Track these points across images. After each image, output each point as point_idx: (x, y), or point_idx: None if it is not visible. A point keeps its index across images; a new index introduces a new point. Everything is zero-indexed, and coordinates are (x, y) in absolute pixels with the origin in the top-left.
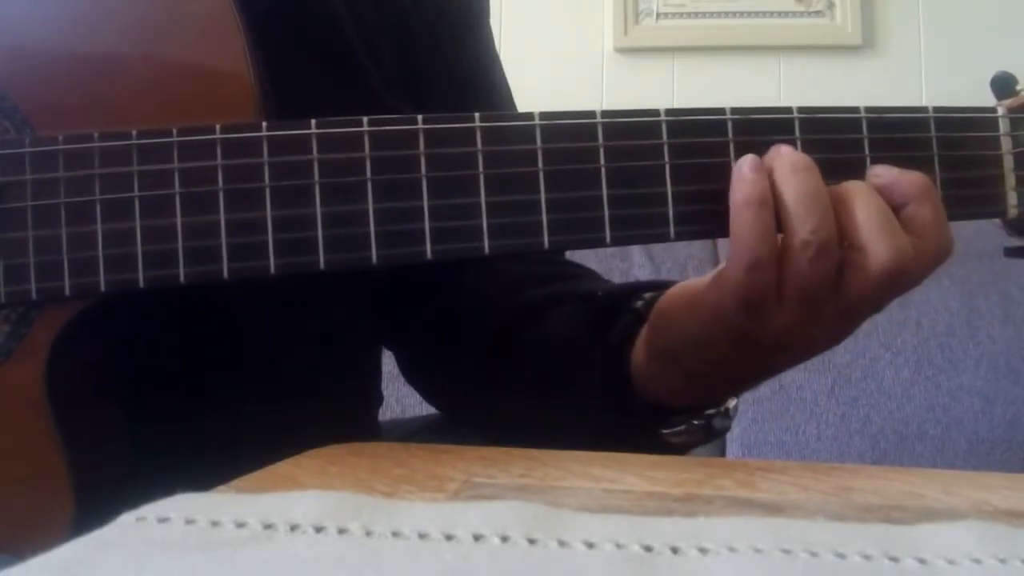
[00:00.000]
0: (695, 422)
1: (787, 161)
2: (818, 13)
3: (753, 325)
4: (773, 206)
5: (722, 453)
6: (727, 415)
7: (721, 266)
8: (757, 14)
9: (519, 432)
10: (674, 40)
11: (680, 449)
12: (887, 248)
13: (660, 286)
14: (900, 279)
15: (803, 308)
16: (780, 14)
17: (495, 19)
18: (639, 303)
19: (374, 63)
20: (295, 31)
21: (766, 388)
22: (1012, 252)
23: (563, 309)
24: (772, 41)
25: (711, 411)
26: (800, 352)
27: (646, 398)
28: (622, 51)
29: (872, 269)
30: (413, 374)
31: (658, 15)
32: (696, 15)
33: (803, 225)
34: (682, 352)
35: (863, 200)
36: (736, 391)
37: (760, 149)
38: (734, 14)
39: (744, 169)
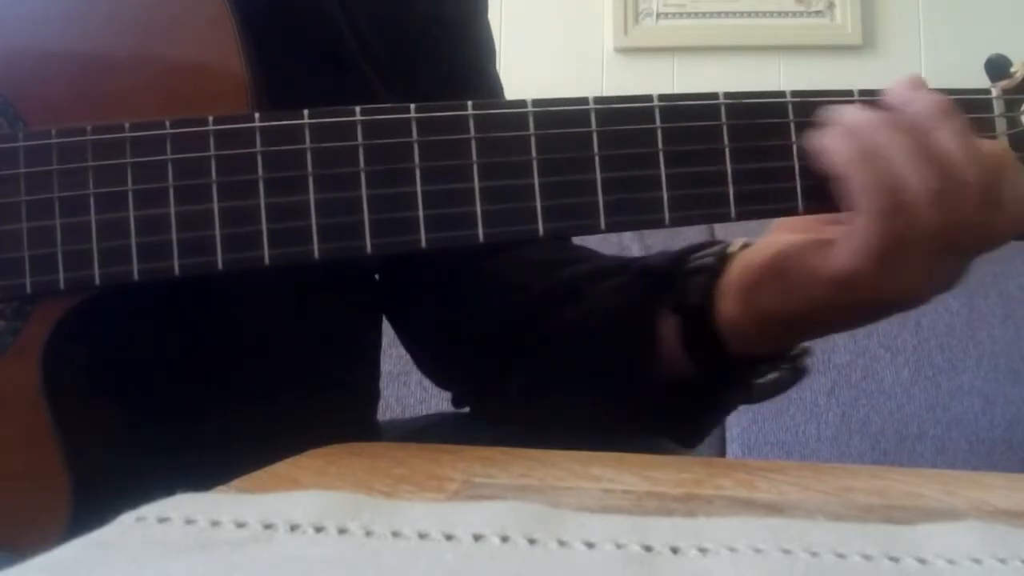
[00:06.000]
0: (785, 366)
1: (876, 121)
2: (818, 13)
3: (884, 281)
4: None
5: (722, 453)
6: (808, 353)
7: (826, 234)
8: (757, 14)
9: (569, 420)
10: (674, 40)
11: (764, 397)
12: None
13: (705, 246)
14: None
15: (930, 256)
16: (780, 14)
17: (495, 19)
18: (708, 259)
19: (367, 58)
20: (288, 27)
21: None
22: None
23: (604, 284)
24: (772, 41)
25: (795, 352)
26: (915, 299)
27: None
28: (622, 51)
29: (968, 193)
30: (427, 364)
31: (658, 15)
32: (696, 15)
33: (914, 176)
34: (796, 312)
35: (944, 129)
36: (830, 334)
37: (754, 133)
38: (734, 14)
39: (846, 123)
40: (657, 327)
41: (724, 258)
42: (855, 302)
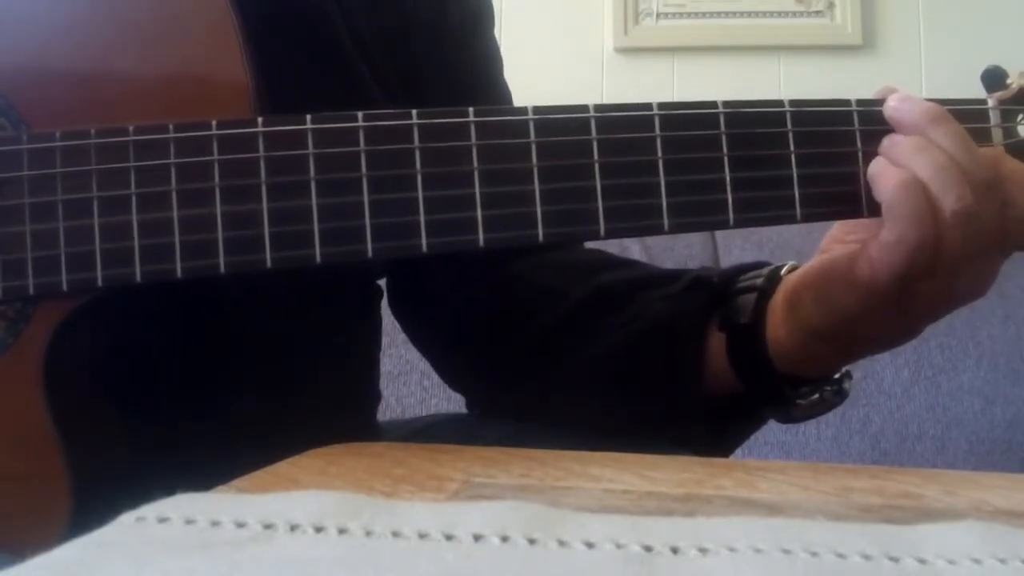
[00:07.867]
0: (827, 388)
1: (909, 144)
2: (818, 13)
3: (904, 294)
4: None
5: None
6: (849, 376)
7: (852, 243)
8: (757, 14)
9: (598, 423)
10: (674, 40)
11: (803, 419)
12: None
13: (752, 268)
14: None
15: (955, 271)
16: (780, 14)
17: (495, 19)
18: (759, 280)
19: (368, 67)
20: (289, 34)
21: None
22: None
23: (653, 292)
24: (772, 41)
25: (837, 375)
26: (947, 309)
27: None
28: (622, 51)
29: (977, 192)
30: (447, 364)
31: (658, 15)
32: (696, 15)
33: (948, 196)
34: (832, 326)
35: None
36: (872, 354)
37: (753, 141)
38: (734, 14)
39: (891, 155)
40: (706, 340)
41: (775, 280)
42: (884, 313)
